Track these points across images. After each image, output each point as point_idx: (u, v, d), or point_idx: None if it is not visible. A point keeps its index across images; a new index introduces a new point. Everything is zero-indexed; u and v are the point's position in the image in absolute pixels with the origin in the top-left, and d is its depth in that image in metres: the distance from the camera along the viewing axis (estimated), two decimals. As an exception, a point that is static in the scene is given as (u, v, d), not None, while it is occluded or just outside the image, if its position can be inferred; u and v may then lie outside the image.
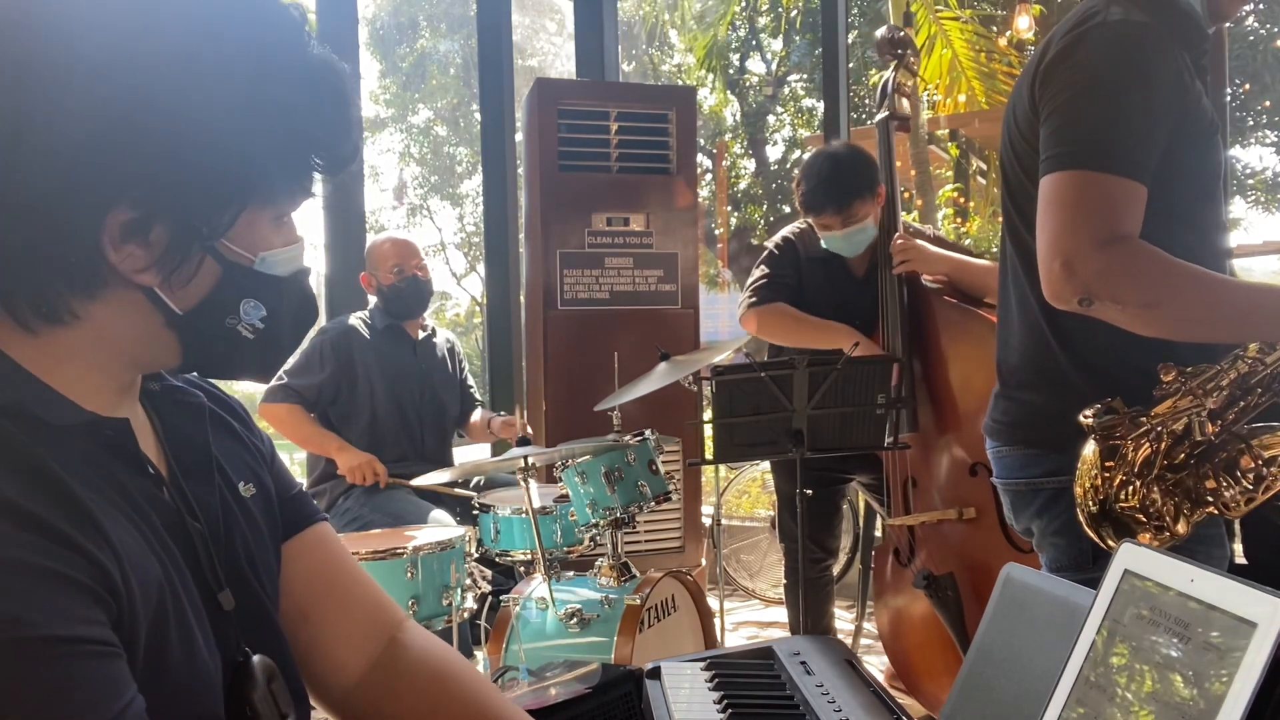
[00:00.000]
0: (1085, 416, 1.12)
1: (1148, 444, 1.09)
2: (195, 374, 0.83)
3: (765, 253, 2.68)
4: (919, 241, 2.44)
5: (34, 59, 0.62)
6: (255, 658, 0.76)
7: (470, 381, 3.27)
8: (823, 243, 2.55)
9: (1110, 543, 1.10)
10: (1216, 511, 1.08)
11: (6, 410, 0.64)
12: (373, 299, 3.11)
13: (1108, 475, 1.10)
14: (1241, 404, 1.09)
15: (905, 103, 2.59)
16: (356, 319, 3.04)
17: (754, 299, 2.59)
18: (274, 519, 0.88)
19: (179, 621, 0.68)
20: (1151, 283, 1.17)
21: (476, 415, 3.22)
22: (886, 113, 2.56)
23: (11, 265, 0.65)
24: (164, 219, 0.67)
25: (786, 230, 2.70)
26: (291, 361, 2.93)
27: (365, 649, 0.92)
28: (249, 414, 0.91)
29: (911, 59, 2.61)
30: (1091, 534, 1.12)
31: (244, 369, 0.79)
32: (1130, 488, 1.09)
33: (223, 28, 0.67)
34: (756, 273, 2.66)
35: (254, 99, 0.68)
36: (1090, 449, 1.12)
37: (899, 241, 2.43)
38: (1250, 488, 1.05)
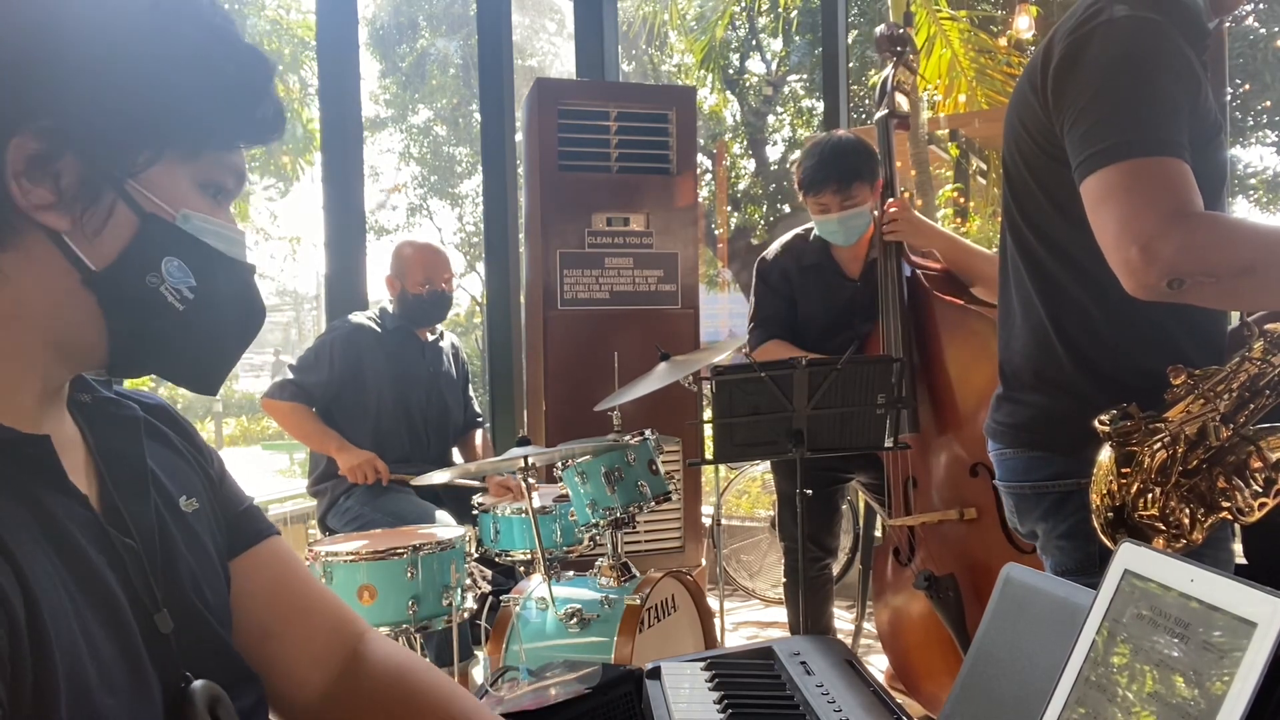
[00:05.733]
0: (1100, 422, 1.09)
1: (1163, 450, 1.07)
2: (124, 371, 0.75)
3: (754, 284, 2.73)
4: (914, 214, 2.46)
5: None
6: (196, 683, 0.71)
7: (472, 393, 3.27)
8: (816, 229, 2.57)
9: None
10: (1230, 518, 1.06)
11: None
12: (382, 305, 3.12)
13: (1124, 482, 1.07)
14: (1252, 406, 1.07)
15: (904, 100, 2.59)
16: (365, 318, 3.04)
17: (748, 342, 2.67)
18: (220, 534, 0.84)
19: (101, 649, 0.64)
20: (1240, 246, 1.10)
21: (478, 439, 3.23)
22: (886, 110, 2.56)
23: None
24: (72, 153, 0.64)
25: (771, 249, 2.73)
26: (299, 358, 2.96)
27: (327, 663, 0.89)
28: (191, 426, 0.88)
29: (911, 57, 2.61)
30: (1107, 540, 1.10)
31: (173, 354, 0.73)
32: (1149, 495, 1.07)
33: None
34: (749, 310, 2.74)
35: (167, 43, 0.67)
36: (1106, 455, 1.09)
37: (892, 209, 2.44)
38: (1261, 490, 1.04)
